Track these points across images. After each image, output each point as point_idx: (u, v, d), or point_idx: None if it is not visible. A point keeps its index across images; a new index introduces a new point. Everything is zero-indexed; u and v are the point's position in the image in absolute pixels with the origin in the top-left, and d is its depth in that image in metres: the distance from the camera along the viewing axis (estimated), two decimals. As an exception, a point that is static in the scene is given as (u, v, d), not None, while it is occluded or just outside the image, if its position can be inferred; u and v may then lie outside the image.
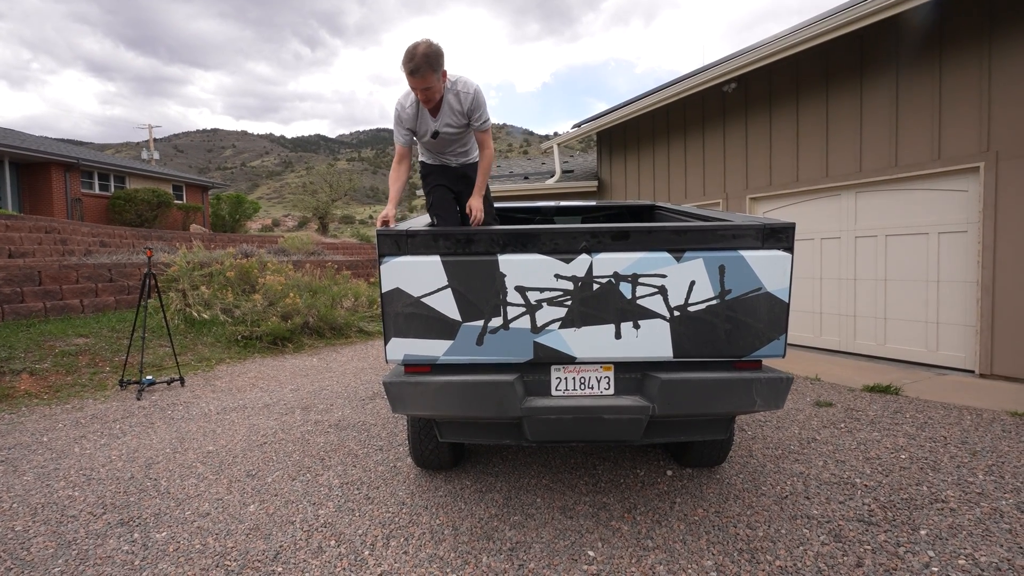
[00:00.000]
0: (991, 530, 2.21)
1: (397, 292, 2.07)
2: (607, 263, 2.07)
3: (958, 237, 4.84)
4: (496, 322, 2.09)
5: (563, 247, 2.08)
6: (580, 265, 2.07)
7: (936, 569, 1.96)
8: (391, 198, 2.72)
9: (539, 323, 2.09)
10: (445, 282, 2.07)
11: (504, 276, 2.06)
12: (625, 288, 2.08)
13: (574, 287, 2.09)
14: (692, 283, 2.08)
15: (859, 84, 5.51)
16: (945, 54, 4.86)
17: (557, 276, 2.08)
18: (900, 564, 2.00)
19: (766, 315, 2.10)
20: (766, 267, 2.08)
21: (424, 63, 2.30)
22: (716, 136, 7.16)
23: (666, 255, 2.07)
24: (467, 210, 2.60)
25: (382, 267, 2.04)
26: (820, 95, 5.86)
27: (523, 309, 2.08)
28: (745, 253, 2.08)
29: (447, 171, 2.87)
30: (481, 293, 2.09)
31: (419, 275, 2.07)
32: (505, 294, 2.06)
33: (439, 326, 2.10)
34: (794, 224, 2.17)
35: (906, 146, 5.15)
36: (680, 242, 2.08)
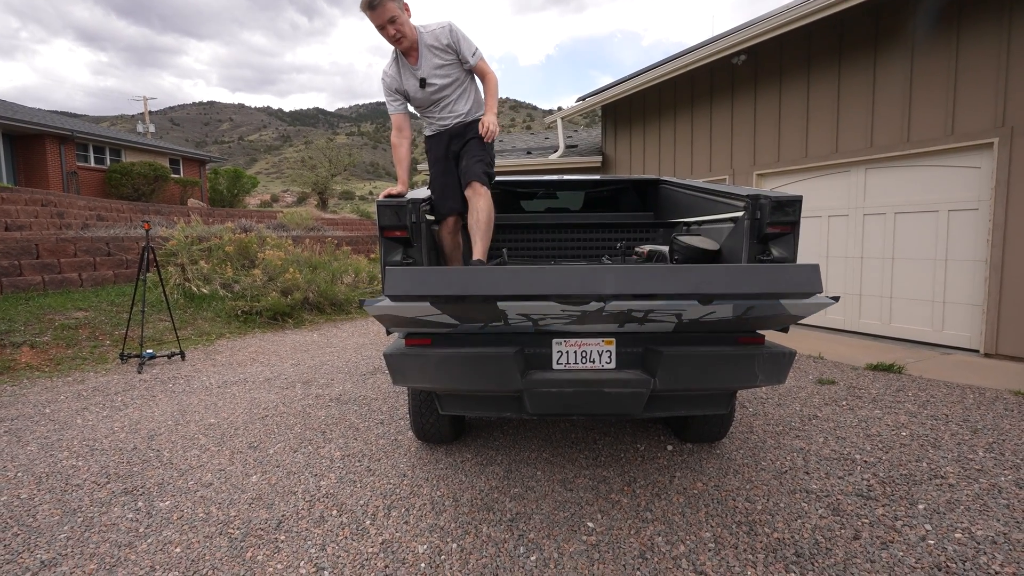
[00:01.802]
0: (989, 505, 2.22)
1: (388, 316, 1.91)
2: (622, 306, 1.80)
3: (968, 215, 4.75)
4: (497, 324, 2.03)
5: (573, 301, 1.79)
6: (590, 307, 1.81)
7: (932, 542, 1.98)
8: (399, 177, 2.63)
9: (540, 323, 2.02)
10: (439, 312, 1.87)
11: (504, 312, 1.85)
12: (637, 315, 1.88)
13: (581, 315, 1.89)
14: (712, 312, 1.84)
15: (873, 57, 5.32)
16: (963, 26, 4.67)
17: (564, 310, 1.84)
18: (897, 537, 2.01)
19: (778, 322, 2.02)
20: (804, 308, 1.81)
21: None
22: (724, 110, 6.98)
23: (693, 301, 1.76)
24: (480, 127, 2.48)
25: (365, 306, 1.81)
26: (832, 68, 5.67)
27: (525, 319, 1.97)
28: (786, 302, 1.77)
29: (444, 139, 2.71)
30: (479, 317, 1.92)
31: (408, 310, 1.85)
32: (506, 317, 1.92)
33: (438, 326, 2.05)
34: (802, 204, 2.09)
35: (919, 121, 5.00)
36: (715, 298, 1.75)
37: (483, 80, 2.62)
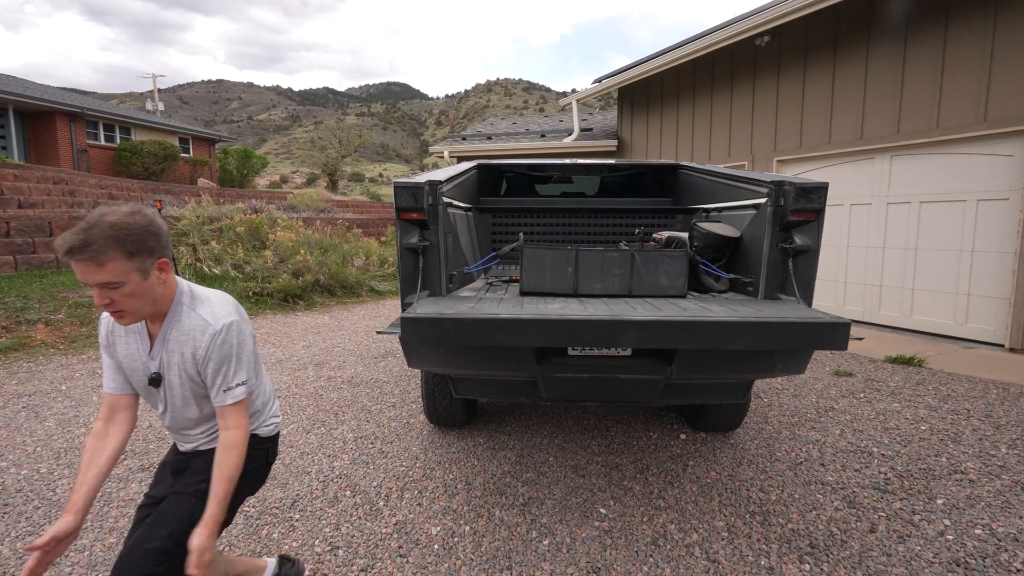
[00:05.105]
0: (1011, 502, 2.18)
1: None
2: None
3: (998, 205, 4.60)
4: None
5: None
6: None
7: (951, 537, 1.94)
8: (73, 503, 1.26)
9: None
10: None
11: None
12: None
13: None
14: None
15: (903, 39, 5.10)
16: (1000, 7, 4.45)
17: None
18: (914, 531, 1.98)
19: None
20: None
21: (104, 240, 1.15)
22: (745, 94, 6.78)
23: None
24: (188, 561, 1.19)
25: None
26: (860, 50, 5.46)
27: None
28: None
29: (167, 466, 1.50)
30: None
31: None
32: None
33: None
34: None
35: (949, 107, 4.82)
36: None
37: (220, 436, 1.33)
